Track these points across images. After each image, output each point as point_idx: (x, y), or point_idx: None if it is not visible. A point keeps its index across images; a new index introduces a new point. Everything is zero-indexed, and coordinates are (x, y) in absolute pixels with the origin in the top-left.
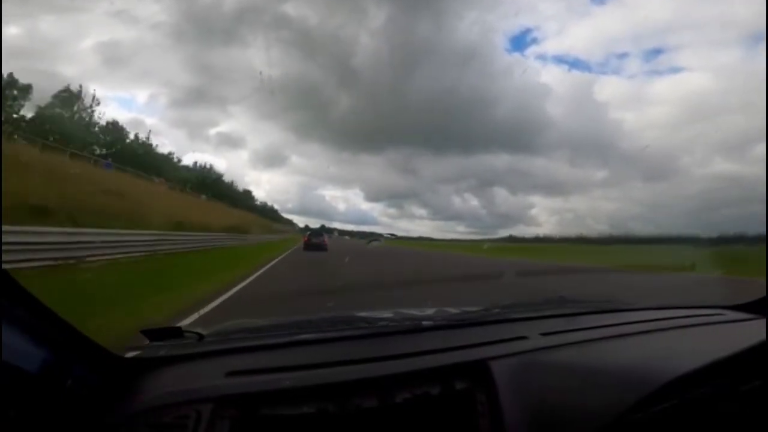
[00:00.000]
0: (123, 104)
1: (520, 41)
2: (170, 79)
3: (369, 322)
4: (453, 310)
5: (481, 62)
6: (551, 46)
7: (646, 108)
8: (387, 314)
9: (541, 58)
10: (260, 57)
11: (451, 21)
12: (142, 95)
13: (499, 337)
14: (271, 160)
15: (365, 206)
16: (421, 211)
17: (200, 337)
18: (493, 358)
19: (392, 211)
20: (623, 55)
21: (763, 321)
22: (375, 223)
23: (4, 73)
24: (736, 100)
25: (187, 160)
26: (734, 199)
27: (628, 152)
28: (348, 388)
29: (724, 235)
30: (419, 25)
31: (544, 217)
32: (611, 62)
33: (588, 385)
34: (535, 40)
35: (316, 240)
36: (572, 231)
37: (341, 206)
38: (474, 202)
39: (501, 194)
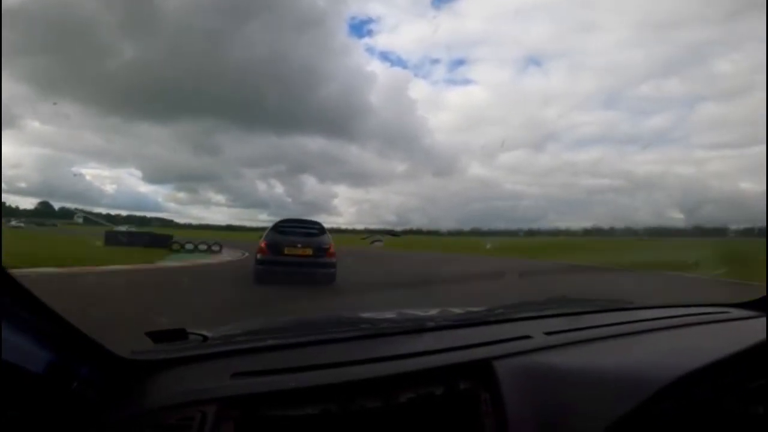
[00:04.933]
0: None
1: (359, 29)
2: None
3: (372, 322)
4: (456, 310)
5: (323, 34)
6: (382, 40)
7: (439, 113)
8: (390, 314)
9: (370, 51)
10: None
11: None
12: None
13: (503, 336)
14: None
15: (145, 189)
16: (219, 197)
17: (204, 338)
18: (497, 357)
19: (182, 195)
20: (435, 61)
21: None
22: (159, 209)
23: None
24: (496, 115)
25: None
26: (482, 196)
27: (428, 148)
28: (352, 389)
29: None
30: None
31: (345, 207)
32: (425, 66)
33: (592, 384)
34: (370, 32)
35: (295, 247)
36: (369, 221)
37: (109, 188)
38: (279, 189)
39: (310, 182)
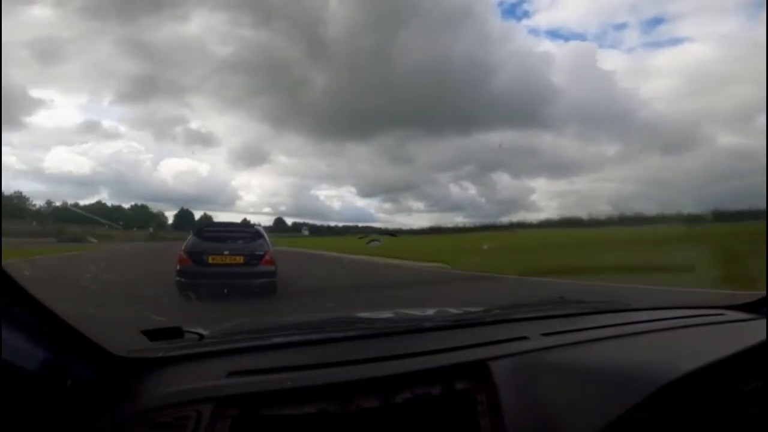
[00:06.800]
0: (68, 106)
1: (512, 12)
2: (109, 68)
3: (370, 322)
4: (453, 311)
5: (475, 24)
6: (544, 18)
7: (650, 80)
8: (387, 314)
9: (534, 32)
10: (205, 27)
11: None
12: (83, 93)
13: (500, 337)
14: (252, 158)
15: (360, 203)
16: (418, 204)
17: (201, 337)
18: (494, 358)
19: (388, 206)
20: (621, 26)
21: (763, 321)
22: (372, 219)
23: None
24: (738, 70)
25: (165, 168)
26: (738, 171)
27: (646, 122)
28: (349, 389)
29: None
30: None
31: (544, 201)
32: (609, 34)
33: (589, 386)
34: (526, 13)
35: (221, 255)
36: (573, 214)
37: (336, 205)
38: (472, 190)
39: (503, 179)
